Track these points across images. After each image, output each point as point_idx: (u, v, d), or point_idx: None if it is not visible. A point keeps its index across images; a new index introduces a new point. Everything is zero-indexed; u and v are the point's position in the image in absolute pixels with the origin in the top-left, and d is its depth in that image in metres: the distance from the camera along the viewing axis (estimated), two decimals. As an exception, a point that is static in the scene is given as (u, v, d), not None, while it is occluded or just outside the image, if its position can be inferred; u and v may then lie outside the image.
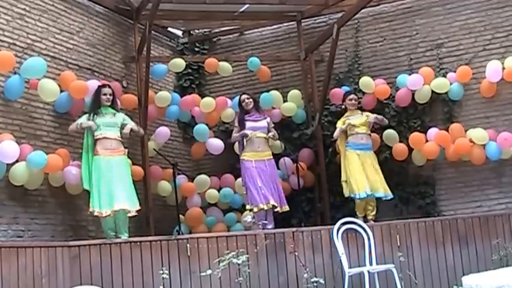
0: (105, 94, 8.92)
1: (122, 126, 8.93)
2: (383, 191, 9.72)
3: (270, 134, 9.63)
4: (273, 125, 9.89)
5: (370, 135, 10.08)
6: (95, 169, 8.54)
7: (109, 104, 8.93)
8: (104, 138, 8.67)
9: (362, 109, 10.46)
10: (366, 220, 9.56)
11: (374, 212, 9.74)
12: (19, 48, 8.77)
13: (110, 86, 9.16)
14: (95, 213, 8.36)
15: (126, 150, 8.95)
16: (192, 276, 7.92)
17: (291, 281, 8.22)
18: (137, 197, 8.71)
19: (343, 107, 10.47)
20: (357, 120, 10.00)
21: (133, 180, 8.89)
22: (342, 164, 9.99)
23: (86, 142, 8.74)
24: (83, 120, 8.77)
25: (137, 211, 8.60)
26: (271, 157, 9.63)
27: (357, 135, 9.92)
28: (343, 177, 9.93)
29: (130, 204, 8.49)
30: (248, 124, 9.61)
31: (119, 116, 8.99)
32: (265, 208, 9.18)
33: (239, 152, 9.87)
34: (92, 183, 8.48)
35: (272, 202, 9.20)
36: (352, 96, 10.25)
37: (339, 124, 10.07)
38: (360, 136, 9.92)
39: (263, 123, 9.70)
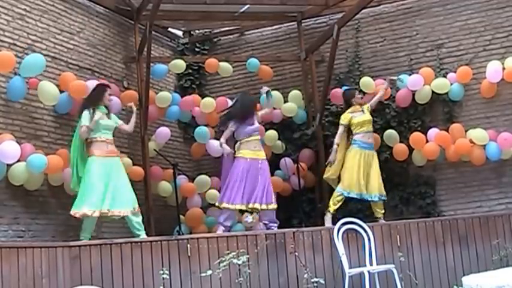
0: (110, 94, 8.97)
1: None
2: (378, 192, 9.71)
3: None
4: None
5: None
6: (89, 170, 8.44)
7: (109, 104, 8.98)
8: (102, 141, 8.62)
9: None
10: (375, 220, 9.64)
11: (383, 211, 9.76)
12: (19, 48, 8.78)
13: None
14: (79, 214, 8.22)
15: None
16: (193, 276, 7.91)
17: (292, 281, 8.22)
18: (136, 197, 8.72)
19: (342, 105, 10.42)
20: (363, 117, 9.94)
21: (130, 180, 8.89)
22: (339, 156, 9.95)
23: (76, 143, 8.64)
24: (87, 120, 8.60)
25: (136, 209, 8.63)
26: (265, 158, 9.53)
27: (365, 134, 9.87)
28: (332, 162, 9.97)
29: (127, 207, 8.52)
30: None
31: (113, 118, 8.97)
32: (231, 208, 9.17)
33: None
34: (85, 183, 8.38)
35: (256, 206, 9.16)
36: (356, 92, 10.24)
37: (344, 121, 9.98)
38: (369, 135, 9.91)
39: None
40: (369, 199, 9.70)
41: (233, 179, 9.23)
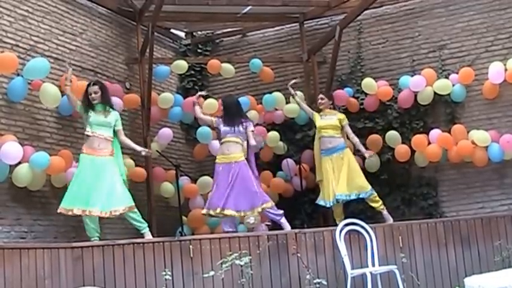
0: (90, 94, 8.66)
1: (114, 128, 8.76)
2: (356, 191, 9.69)
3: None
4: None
5: (339, 135, 9.95)
6: (78, 167, 8.50)
7: (96, 102, 8.65)
8: (93, 136, 8.53)
9: (336, 109, 10.47)
10: (379, 214, 9.74)
11: (379, 204, 9.74)
12: (22, 49, 8.79)
13: (97, 83, 8.83)
14: (61, 211, 8.21)
15: (113, 150, 8.69)
16: (195, 277, 7.91)
17: (294, 282, 8.22)
18: (128, 195, 8.49)
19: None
20: (325, 121, 9.98)
21: (124, 180, 8.69)
22: (317, 166, 10.06)
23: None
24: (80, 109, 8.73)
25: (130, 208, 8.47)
26: (242, 159, 9.24)
27: (323, 139, 9.91)
28: (318, 178, 10.04)
29: (105, 207, 8.30)
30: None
31: (112, 116, 8.74)
32: (213, 214, 9.14)
33: None
34: (72, 180, 8.41)
35: (228, 212, 9.04)
36: (319, 96, 10.28)
37: (313, 115, 10.18)
38: (327, 140, 9.89)
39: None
40: (353, 198, 9.73)
41: (214, 186, 9.26)
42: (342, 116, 10.09)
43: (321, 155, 9.93)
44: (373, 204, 9.76)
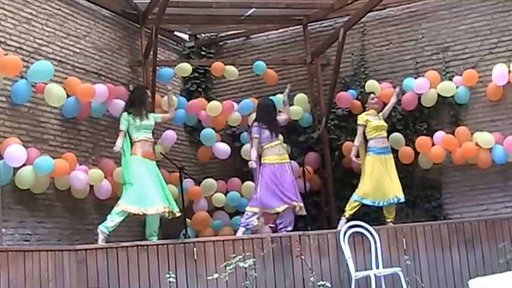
0: (149, 96, 9.27)
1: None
2: (394, 195, 9.67)
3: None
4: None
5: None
6: (134, 167, 8.65)
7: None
8: (144, 140, 8.83)
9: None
10: (385, 223, 9.65)
11: (393, 216, 9.73)
12: (26, 52, 8.79)
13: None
14: (135, 211, 8.46)
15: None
16: (199, 280, 7.92)
17: (298, 284, 8.22)
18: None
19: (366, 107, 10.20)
20: (377, 122, 9.92)
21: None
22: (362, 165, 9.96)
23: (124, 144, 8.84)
24: (124, 126, 8.85)
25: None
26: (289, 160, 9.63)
27: (378, 139, 9.82)
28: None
29: (173, 205, 8.70)
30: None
31: (151, 118, 9.09)
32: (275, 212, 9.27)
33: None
34: (131, 181, 8.56)
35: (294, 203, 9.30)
36: (371, 95, 10.17)
37: (360, 120, 9.93)
38: (380, 140, 9.84)
39: None
40: (385, 204, 9.66)
41: (263, 184, 9.28)
42: (380, 114, 10.12)
43: (370, 153, 9.80)
44: (388, 215, 9.71)
